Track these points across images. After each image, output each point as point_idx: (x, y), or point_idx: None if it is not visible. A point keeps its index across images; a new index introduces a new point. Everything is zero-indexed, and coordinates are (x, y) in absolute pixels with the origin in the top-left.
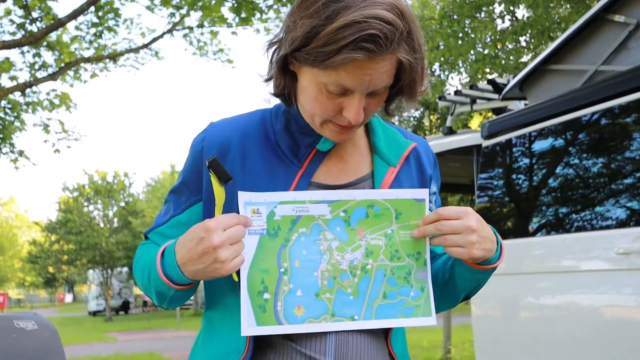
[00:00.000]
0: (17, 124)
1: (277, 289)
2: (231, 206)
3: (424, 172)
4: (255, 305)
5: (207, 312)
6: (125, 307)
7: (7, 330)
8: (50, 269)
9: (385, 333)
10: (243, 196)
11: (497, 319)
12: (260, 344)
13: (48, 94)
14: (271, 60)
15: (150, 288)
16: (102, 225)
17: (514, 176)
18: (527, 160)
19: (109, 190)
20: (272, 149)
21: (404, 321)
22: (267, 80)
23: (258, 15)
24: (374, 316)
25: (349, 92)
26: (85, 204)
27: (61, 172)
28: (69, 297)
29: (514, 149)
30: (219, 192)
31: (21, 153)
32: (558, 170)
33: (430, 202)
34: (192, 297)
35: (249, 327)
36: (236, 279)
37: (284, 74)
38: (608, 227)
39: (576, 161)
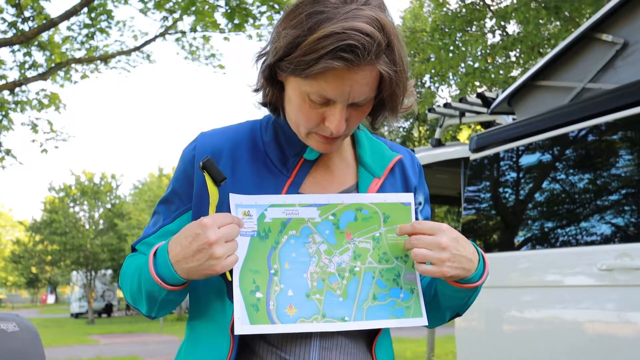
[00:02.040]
0: (5, 122)
1: (269, 288)
2: (221, 211)
3: (408, 183)
4: (248, 304)
5: (190, 322)
6: (108, 310)
7: None
8: (33, 269)
9: (369, 342)
10: (234, 198)
11: (480, 331)
12: (244, 351)
13: (37, 93)
14: (260, 71)
15: (140, 294)
16: (87, 226)
17: (500, 189)
18: (514, 174)
19: (95, 191)
20: (261, 159)
21: (396, 322)
22: (257, 90)
23: (251, 21)
24: (364, 317)
25: (331, 102)
26: (71, 204)
27: (48, 172)
28: (51, 298)
29: (502, 163)
30: (213, 192)
31: (8, 152)
32: (544, 185)
33: (422, 212)
34: None
35: (243, 325)
36: (229, 278)
37: (272, 84)
38: (592, 243)
39: (562, 176)
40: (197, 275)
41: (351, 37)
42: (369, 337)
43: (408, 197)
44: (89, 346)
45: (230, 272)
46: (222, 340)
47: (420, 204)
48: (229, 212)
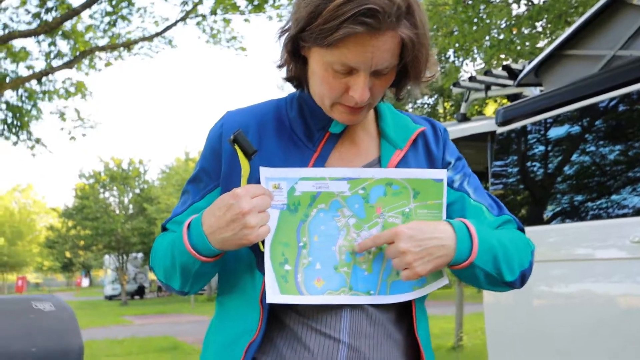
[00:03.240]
0: (33, 112)
1: (297, 261)
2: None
3: (431, 154)
4: (278, 275)
5: (220, 297)
6: (140, 291)
7: (25, 311)
8: (67, 254)
9: (402, 314)
10: (265, 172)
11: (509, 306)
12: (273, 322)
13: (64, 82)
14: (283, 46)
15: (173, 269)
16: (117, 211)
17: (528, 163)
18: (542, 148)
19: (124, 177)
20: (287, 135)
21: (418, 292)
22: (280, 66)
23: (271, 2)
24: (388, 292)
25: (354, 71)
26: (101, 190)
27: (77, 159)
28: (85, 282)
29: (529, 136)
30: (245, 165)
31: (38, 140)
32: (573, 157)
33: (454, 170)
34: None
35: (274, 294)
36: (262, 248)
37: (295, 59)
38: (624, 215)
39: (592, 148)
40: (230, 245)
41: (371, 1)
42: (402, 309)
43: (440, 174)
44: (124, 327)
45: (263, 242)
46: (252, 311)
47: (450, 163)
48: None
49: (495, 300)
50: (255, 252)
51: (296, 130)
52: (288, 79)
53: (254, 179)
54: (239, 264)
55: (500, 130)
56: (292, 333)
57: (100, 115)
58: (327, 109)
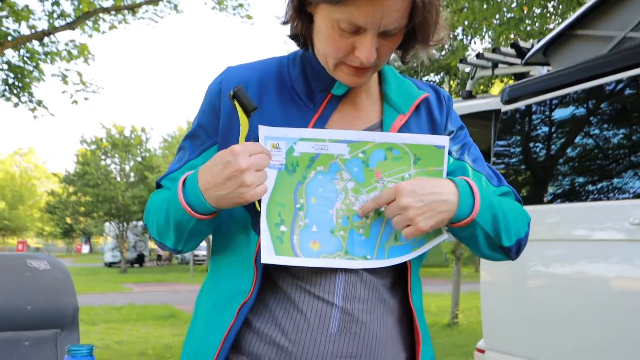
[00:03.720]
0: (35, 73)
1: (293, 223)
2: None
3: (434, 121)
4: (273, 236)
5: (213, 257)
6: (140, 260)
7: (21, 268)
8: (68, 220)
9: (397, 280)
10: (263, 130)
11: (505, 285)
12: (267, 284)
13: (67, 44)
14: (289, 1)
15: (167, 227)
16: (118, 179)
17: (531, 143)
18: (545, 128)
19: (126, 144)
20: (288, 93)
21: (417, 251)
22: (285, 23)
23: None
24: (386, 256)
25: (361, 30)
26: (103, 157)
27: (79, 124)
28: (85, 248)
29: (534, 116)
30: (244, 122)
31: (39, 103)
32: (577, 139)
33: (455, 139)
34: (205, 254)
35: (269, 255)
36: (258, 208)
37: (301, 15)
38: (624, 198)
39: (596, 131)
40: (226, 203)
41: None
42: (397, 276)
43: (442, 140)
44: (122, 294)
45: (259, 202)
46: (246, 272)
47: (452, 132)
48: None
49: (492, 278)
50: (251, 212)
51: (298, 89)
52: (292, 36)
53: (253, 137)
54: (234, 224)
55: (505, 108)
56: (285, 295)
57: (103, 81)
58: (331, 69)
